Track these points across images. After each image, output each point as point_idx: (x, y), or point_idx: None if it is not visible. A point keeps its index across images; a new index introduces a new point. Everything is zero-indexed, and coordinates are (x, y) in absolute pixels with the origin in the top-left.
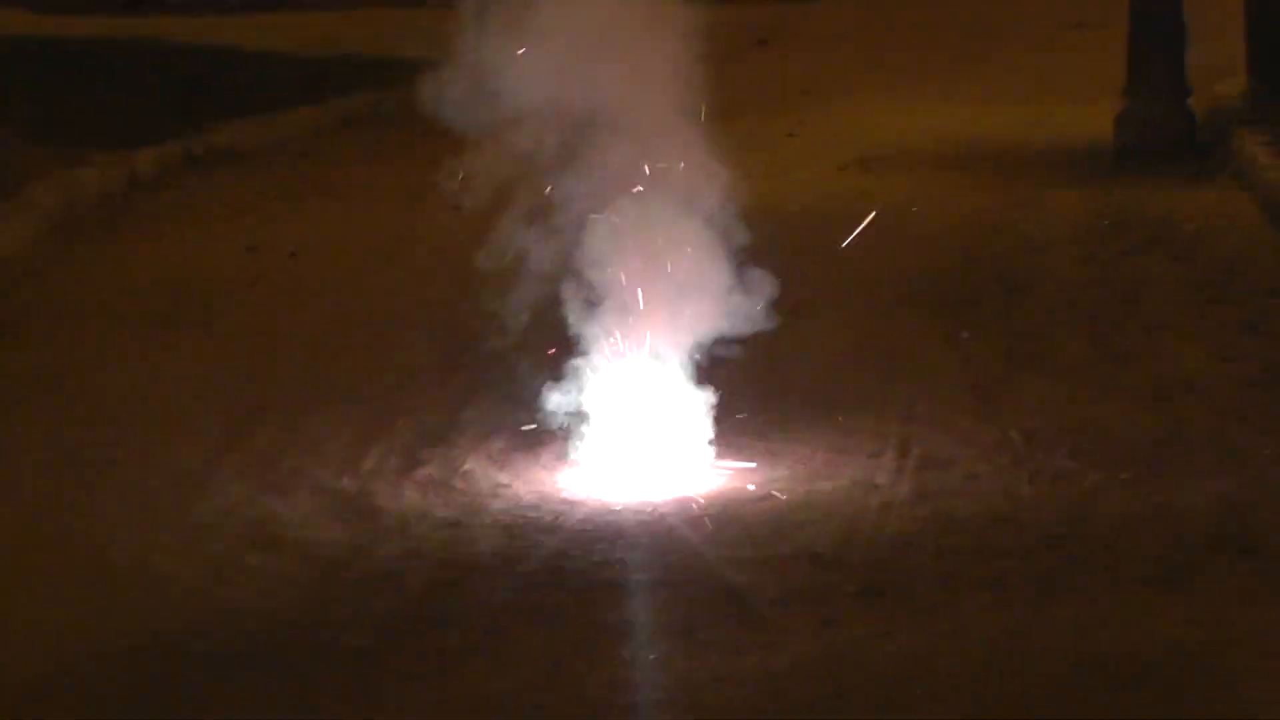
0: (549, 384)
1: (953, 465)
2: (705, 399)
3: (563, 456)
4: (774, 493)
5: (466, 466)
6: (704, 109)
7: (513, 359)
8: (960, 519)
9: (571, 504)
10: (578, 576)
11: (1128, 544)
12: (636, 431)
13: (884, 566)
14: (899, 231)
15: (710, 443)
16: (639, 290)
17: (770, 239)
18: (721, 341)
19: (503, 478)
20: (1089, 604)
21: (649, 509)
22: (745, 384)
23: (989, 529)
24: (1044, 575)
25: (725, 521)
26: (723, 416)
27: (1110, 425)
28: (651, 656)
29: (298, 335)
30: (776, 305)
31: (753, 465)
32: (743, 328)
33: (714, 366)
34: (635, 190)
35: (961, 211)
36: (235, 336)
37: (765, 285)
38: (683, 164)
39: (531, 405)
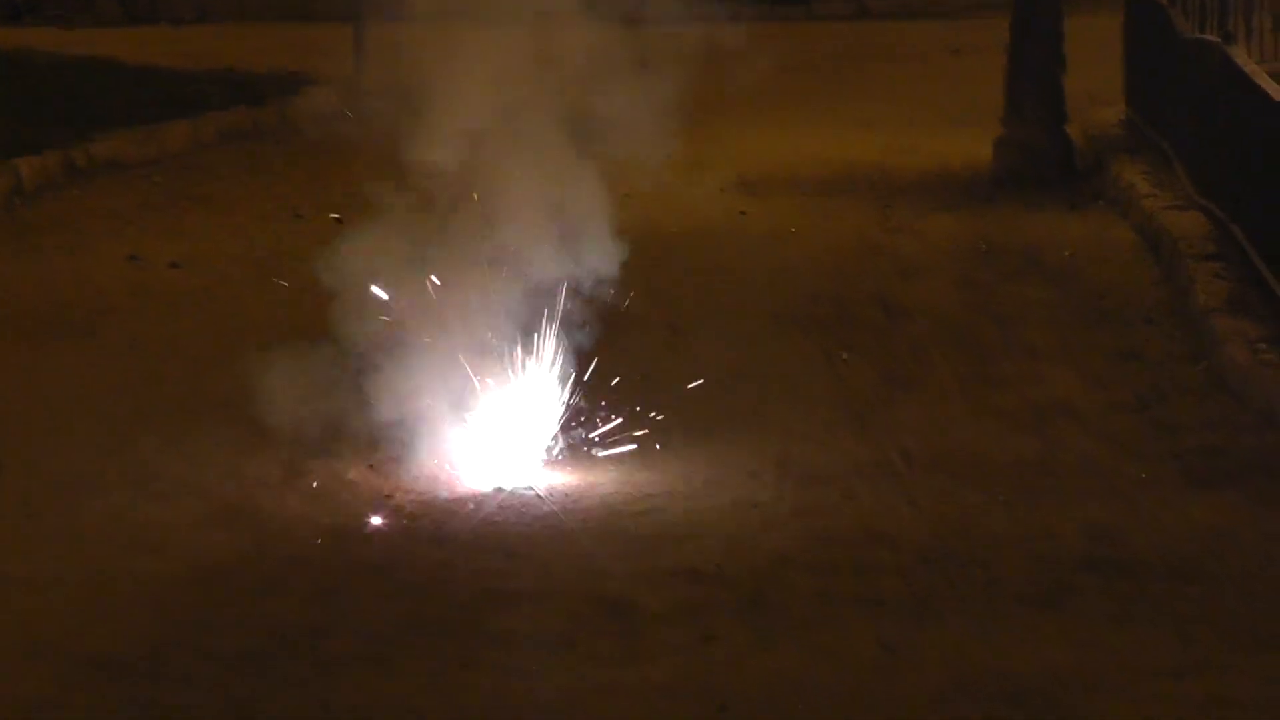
0: (429, 396)
1: (831, 483)
2: (582, 416)
3: (445, 467)
4: (655, 508)
5: (349, 475)
6: (583, 131)
7: (393, 371)
8: (838, 537)
9: (454, 514)
10: (461, 586)
11: (1003, 564)
12: (520, 445)
13: (763, 582)
14: (778, 253)
15: (588, 452)
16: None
17: (650, 259)
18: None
19: (385, 487)
20: (966, 622)
21: (531, 520)
22: (625, 402)
23: (867, 546)
24: (921, 593)
25: (607, 535)
26: (604, 435)
27: (987, 447)
28: (533, 668)
29: (180, 346)
30: (656, 324)
31: (632, 481)
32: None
33: (592, 384)
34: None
35: (841, 234)
36: (117, 346)
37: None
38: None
39: (412, 416)
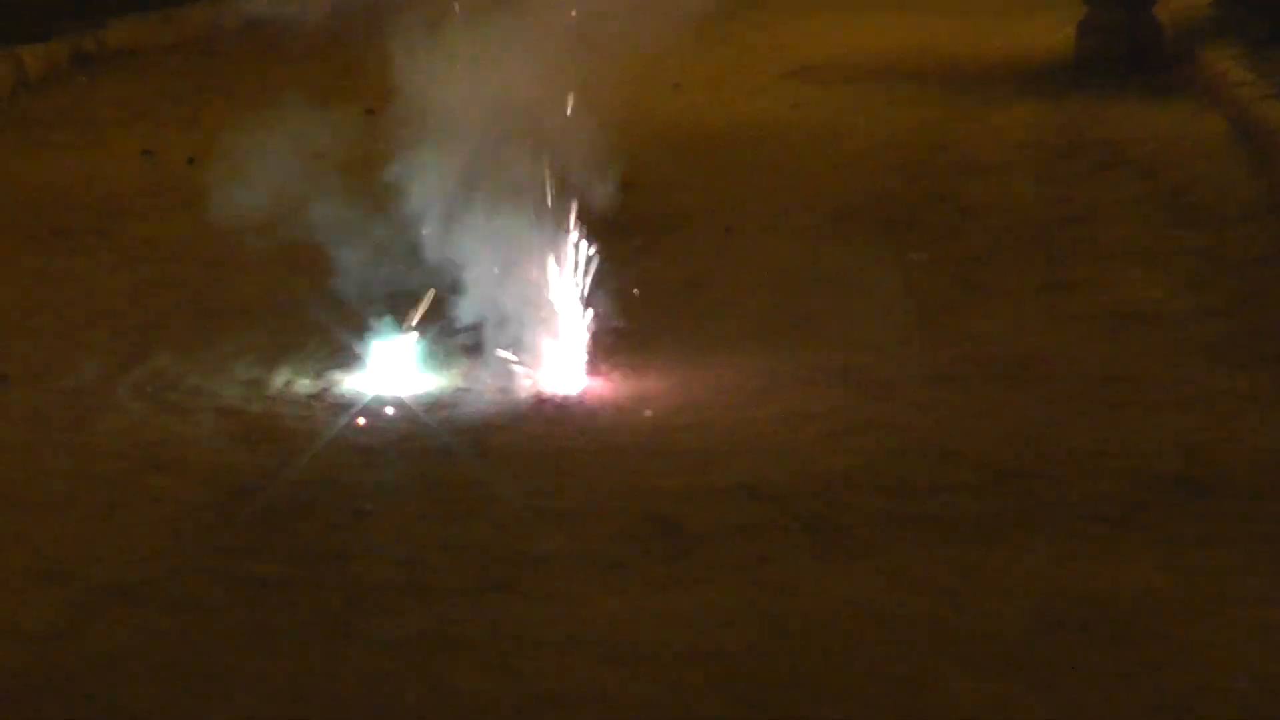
0: (470, 304)
1: (897, 395)
2: (630, 324)
3: (486, 380)
4: (705, 421)
5: (383, 387)
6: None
7: (430, 276)
8: (906, 452)
9: (497, 429)
10: (500, 505)
11: (1084, 481)
12: (565, 356)
13: (825, 502)
14: (840, 147)
15: (636, 362)
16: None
17: (701, 155)
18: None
19: (422, 398)
20: (1047, 544)
21: (576, 434)
22: (675, 308)
23: (938, 463)
24: (998, 513)
25: (656, 450)
26: (649, 338)
27: (1065, 356)
28: (578, 591)
29: (198, 248)
30: (709, 225)
31: (682, 392)
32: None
33: (641, 290)
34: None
35: (908, 127)
36: (131, 248)
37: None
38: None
39: (456, 321)
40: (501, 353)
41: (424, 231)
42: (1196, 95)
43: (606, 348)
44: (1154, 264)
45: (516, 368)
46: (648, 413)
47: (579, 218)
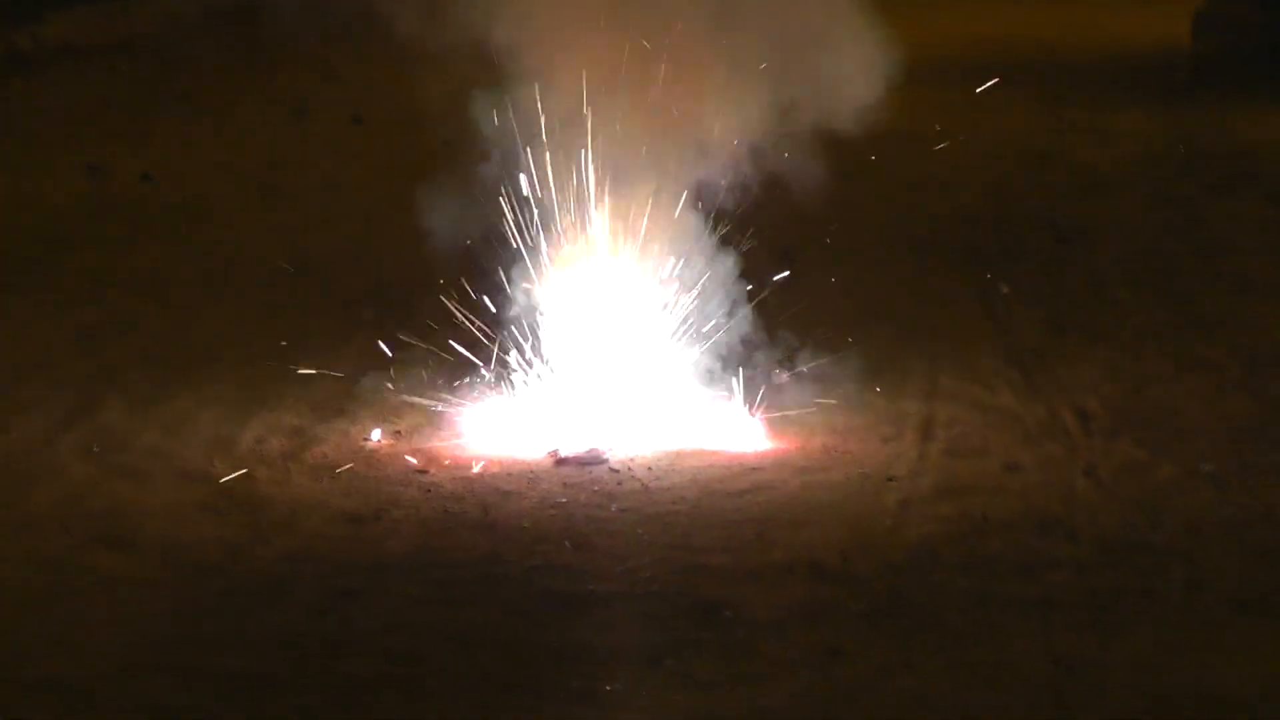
0: (475, 345)
1: (987, 453)
2: (672, 367)
3: (493, 434)
4: (763, 484)
5: (371, 445)
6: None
7: (428, 314)
8: (997, 522)
9: (506, 494)
10: (514, 586)
11: (1210, 557)
12: (589, 404)
13: (901, 581)
14: (922, 162)
15: (677, 414)
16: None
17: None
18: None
19: (416, 460)
20: (1160, 632)
21: (603, 500)
22: (730, 347)
23: (1034, 535)
24: (1104, 595)
25: (702, 521)
26: (698, 391)
27: (1187, 408)
28: (608, 693)
29: (154, 282)
30: (766, 252)
31: (733, 451)
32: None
33: (684, 326)
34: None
35: (1002, 136)
36: (77, 283)
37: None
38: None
39: (452, 370)
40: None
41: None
42: None
43: (642, 394)
44: None
45: (522, 420)
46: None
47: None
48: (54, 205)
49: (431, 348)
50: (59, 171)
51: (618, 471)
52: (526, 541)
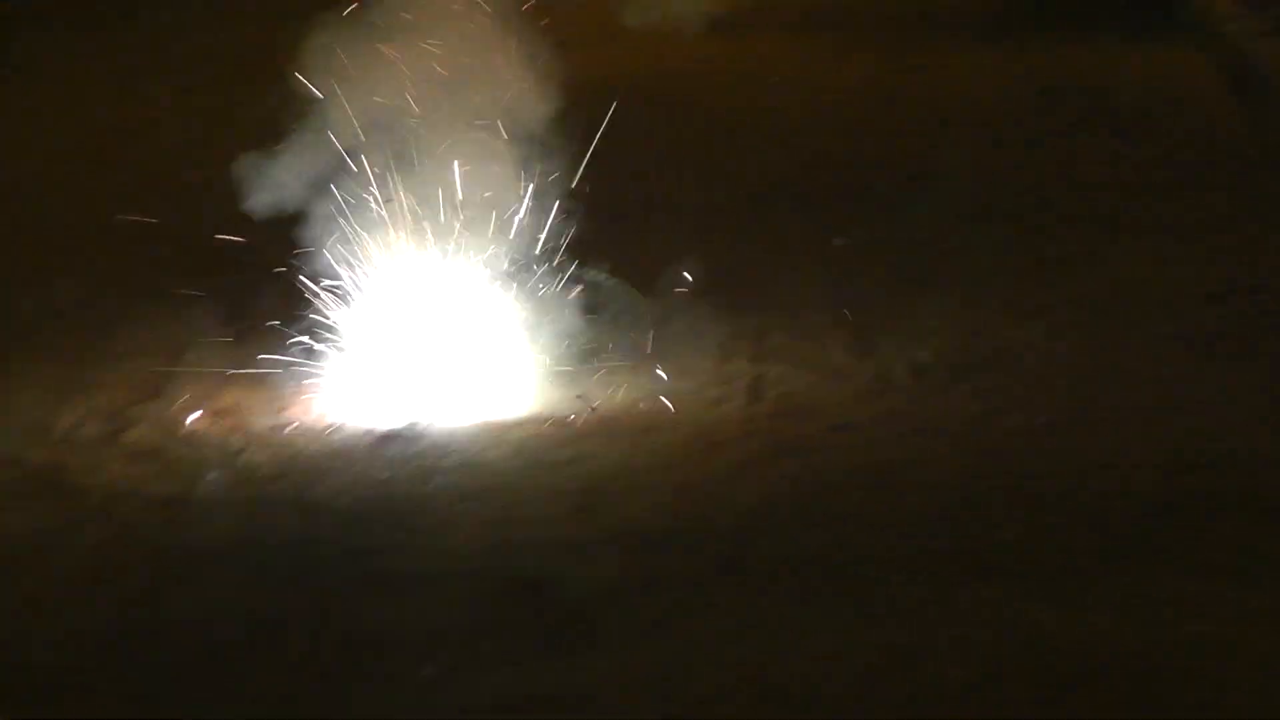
0: (298, 317)
1: (817, 413)
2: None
3: (310, 408)
4: (586, 454)
5: (189, 426)
6: None
7: (255, 285)
8: (832, 483)
9: (323, 471)
10: (330, 569)
11: (1044, 509)
12: (412, 375)
13: (736, 544)
14: (762, 108)
15: (499, 384)
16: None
17: (595, 118)
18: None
19: (235, 439)
20: (999, 587)
21: (422, 475)
22: (551, 310)
23: (872, 492)
24: (941, 553)
25: (524, 493)
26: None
27: (1033, 355)
28: (426, 677)
29: None
30: (600, 207)
31: (556, 419)
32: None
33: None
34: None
35: (845, 78)
36: None
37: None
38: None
39: (275, 344)
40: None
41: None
42: (1184, 35)
43: (464, 362)
44: (1145, 239)
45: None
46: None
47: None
48: None
49: (253, 323)
50: None
51: (438, 445)
52: (344, 521)
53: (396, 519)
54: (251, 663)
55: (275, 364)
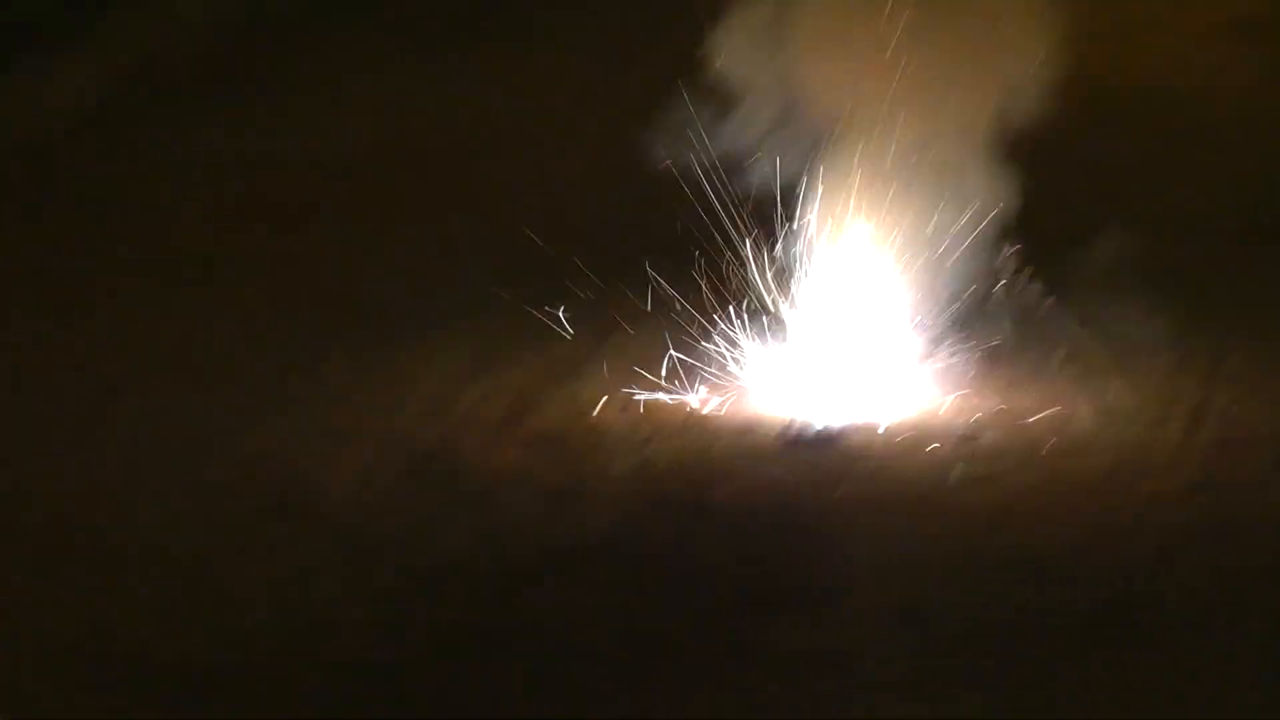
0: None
1: (1260, 445)
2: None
3: (726, 410)
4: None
5: (594, 414)
6: None
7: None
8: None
9: (723, 475)
10: (709, 584)
11: None
12: (824, 387)
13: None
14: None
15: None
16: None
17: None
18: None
19: (641, 427)
20: None
21: (827, 483)
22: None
23: None
24: None
25: (935, 508)
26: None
27: None
28: (811, 694)
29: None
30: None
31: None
32: None
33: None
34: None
35: None
36: None
37: None
38: None
39: (698, 333)
40: None
41: None
42: None
43: None
44: None
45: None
46: None
47: None
48: None
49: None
50: None
51: (850, 451)
52: (736, 531)
53: (792, 531)
54: (605, 676)
55: (693, 357)
